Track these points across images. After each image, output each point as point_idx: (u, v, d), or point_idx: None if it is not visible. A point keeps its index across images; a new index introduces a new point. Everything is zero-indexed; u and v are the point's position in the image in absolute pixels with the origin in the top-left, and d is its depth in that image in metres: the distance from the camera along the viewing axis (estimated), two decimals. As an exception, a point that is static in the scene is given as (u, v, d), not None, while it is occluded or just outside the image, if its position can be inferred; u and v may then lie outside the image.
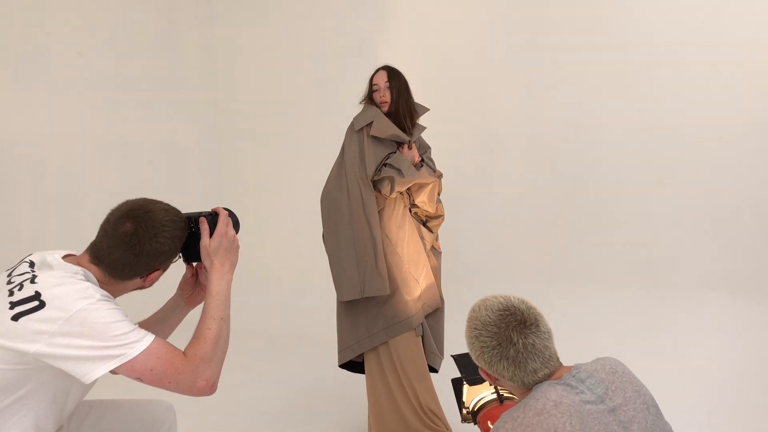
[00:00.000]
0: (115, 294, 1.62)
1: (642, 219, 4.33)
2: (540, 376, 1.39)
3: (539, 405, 1.30)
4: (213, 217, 1.72)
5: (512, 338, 1.38)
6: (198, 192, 6.36)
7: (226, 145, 6.44)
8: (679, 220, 4.21)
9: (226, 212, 1.74)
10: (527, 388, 1.41)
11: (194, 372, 1.50)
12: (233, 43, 6.36)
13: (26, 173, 4.92)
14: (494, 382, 1.48)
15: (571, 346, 4.13)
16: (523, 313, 1.41)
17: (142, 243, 1.57)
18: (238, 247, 1.73)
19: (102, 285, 1.57)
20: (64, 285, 1.48)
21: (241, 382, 4.05)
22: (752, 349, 3.74)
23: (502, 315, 1.41)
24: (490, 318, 1.42)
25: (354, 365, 3.04)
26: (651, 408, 1.37)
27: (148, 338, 1.49)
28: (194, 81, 6.34)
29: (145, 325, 1.83)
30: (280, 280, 5.83)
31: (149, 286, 1.68)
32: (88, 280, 1.54)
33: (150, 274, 1.64)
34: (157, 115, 5.98)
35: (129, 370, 1.45)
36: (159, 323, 1.87)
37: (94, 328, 1.42)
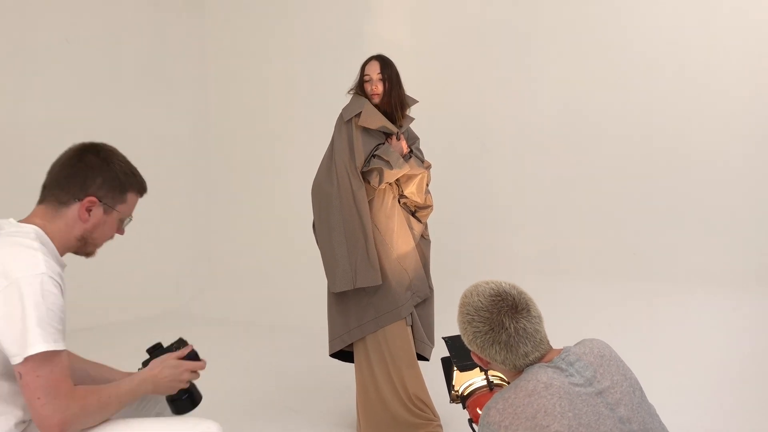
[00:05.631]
0: (60, 242, 1.58)
1: (635, 213, 4.34)
2: (531, 359, 1.42)
3: (530, 386, 1.34)
4: (194, 354, 1.75)
5: (504, 323, 1.41)
6: (189, 183, 6.34)
7: (217, 137, 6.42)
8: (672, 215, 4.22)
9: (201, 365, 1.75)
10: (518, 370, 1.44)
11: (65, 408, 1.44)
12: (225, 34, 6.33)
13: (13, 161, 4.88)
14: (486, 365, 1.51)
15: (561, 338, 4.16)
16: (514, 298, 1.44)
17: (89, 157, 1.59)
18: (174, 387, 1.69)
19: (47, 229, 1.55)
20: (14, 251, 1.46)
21: (230, 371, 4.06)
22: (746, 345, 3.76)
23: (493, 300, 1.44)
24: (482, 303, 1.45)
25: (345, 354, 3.07)
26: (636, 391, 1.41)
27: (58, 347, 1.44)
28: (185, 71, 6.30)
29: (84, 362, 1.81)
30: (270, 271, 5.83)
31: (90, 226, 1.61)
32: (41, 242, 1.52)
33: (87, 196, 1.58)
34: (148, 105, 5.95)
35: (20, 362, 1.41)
36: (94, 372, 1.81)
37: (19, 306, 1.40)
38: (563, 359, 1.40)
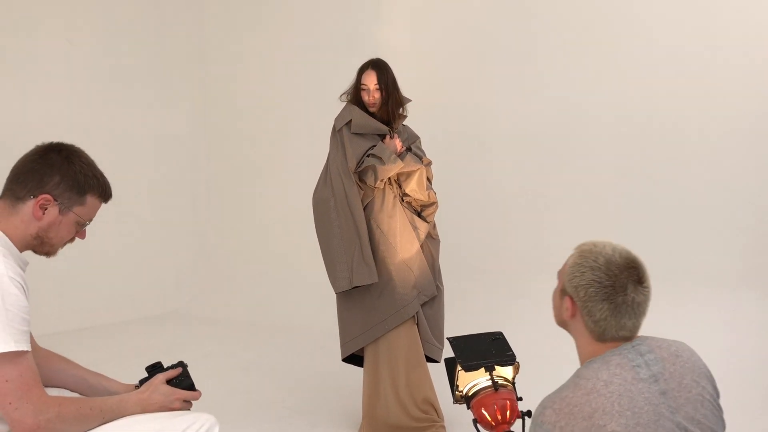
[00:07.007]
0: (18, 239, 1.54)
1: (635, 213, 4.32)
2: (620, 334, 1.38)
3: (589, 385, 1.30)
4: (188, 381, 1.73)
5: (627, 288, 1.36)
6: (189, 183, 6.33)
7: (216, 137, 6.40)
8: (673, 214, 4.20)
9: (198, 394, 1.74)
10: (598, 340, 1.39)
11: (38, 412, 1.41)
12: (226, 35, 6.32)
13: (11, 162, 4.87)
14: (570, 316, 1.43)
15: (561, 338, 4.15)
16: (644, 273, 1.39)
17: (51, 155, 1.57)
18: (160, 412, 1.64)
19: (4, 227, 1.53)
20: None
21: (230, 371, 4.06)
22: (747, 345, 3.74)
23: (628, 263, 1.38)
24: (617, 260, 1.38)
25: (357, 359, 3.07)
26: (706, 402, 1.35)
27: (20, 347, 1.41)
28: (185, 71, 6.29)
29: (82, 370, 1.78)
30: (270, 271, 5.82)
31: (44, 224, 1.57)
32: (2, 246, 1.49)
33: (42, 194, 1.54)
34: (148, 105, 5.93)
35: None
36: (92, 380, 1.78)
37: None
38: (634, 347, 1.36)
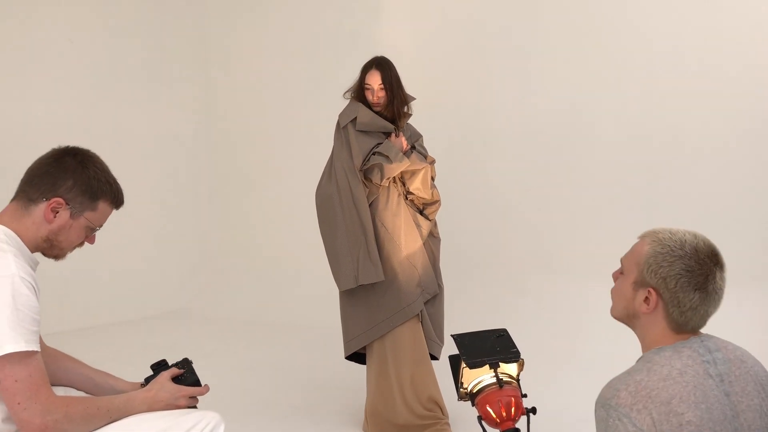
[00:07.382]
0: (29, 241, 1.56)
1: (637, 212, 4.33)
2: (700, 324, 1.36)
3: (665, 371, 1.28)
4: (193, 378, 1.75)
5: (716, 276, 1.34)
6: (191, 182, 6.33)
7: (218, 136, 6.41)
8: (673, 214, 4.20)
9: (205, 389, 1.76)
10: (676, 331, 1.36)
11: (45, 412, 1.43)
12: (227, 34, 6.32)
13: (15, 161, 4.86)
14: (651, 309, 1.37)
15: (563, 338, 4.15)
16: (723, 263, 1.37)
17: (67, 159, 1.58)
18: (167, 410, 1.66)
19: (15, 228, 1.53)
20: None
21: (233, 370, 4.06)
22: (749, 344, 3.74)
23: (713, 252, 1.36)
24: (702, 247, 1.35)
25: (359, 357, 3.06)
26: (764, 416, 1.31)
27: (30, 347, 1.43)
28: (187, 70, 6.29)
29: (88, 369, 1.79)
30: (273, 270, 5.82)
31: (55, 227, 1.58)
32: (11, 243, 1.50)
33: (55, 197, 1.56)
34: (150, 105, 5.94)
35: None
36: (99, 379, 1.80)
37: None
38: (703, 342, 1.34)
